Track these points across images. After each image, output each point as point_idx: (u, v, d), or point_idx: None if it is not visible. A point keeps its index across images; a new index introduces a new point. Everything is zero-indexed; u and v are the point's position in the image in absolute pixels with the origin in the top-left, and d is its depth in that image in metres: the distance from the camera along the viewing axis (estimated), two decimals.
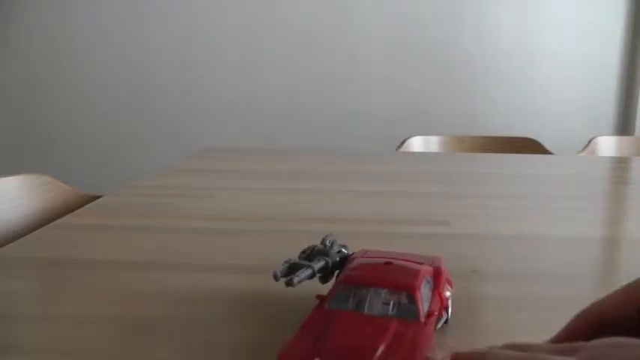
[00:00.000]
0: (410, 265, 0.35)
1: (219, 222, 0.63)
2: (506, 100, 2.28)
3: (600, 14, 2.19)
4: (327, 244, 0.39)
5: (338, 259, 0.38)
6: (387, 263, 0.35)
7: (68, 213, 0.67)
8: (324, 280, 0.39)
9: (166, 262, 0.49)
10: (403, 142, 1.53)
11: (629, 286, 0.27)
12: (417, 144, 1.55)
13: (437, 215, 0.68)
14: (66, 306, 0.39)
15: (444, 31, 2.23)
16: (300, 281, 0.34)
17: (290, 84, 2.30)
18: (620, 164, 1.15)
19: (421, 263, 0.35)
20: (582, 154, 1.54)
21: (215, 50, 2.29)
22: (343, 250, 0.39)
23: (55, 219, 0.65)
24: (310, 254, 0.38)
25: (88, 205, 0.71)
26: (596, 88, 2.26)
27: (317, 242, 0.40)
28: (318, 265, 0.36)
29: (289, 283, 0.34)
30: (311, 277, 0.36)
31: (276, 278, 0.35)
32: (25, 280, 0.44)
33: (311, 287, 0.40)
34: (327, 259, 0.37)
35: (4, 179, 0.80)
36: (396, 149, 1.51)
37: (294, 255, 0.40)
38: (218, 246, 0.54)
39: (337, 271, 0.38)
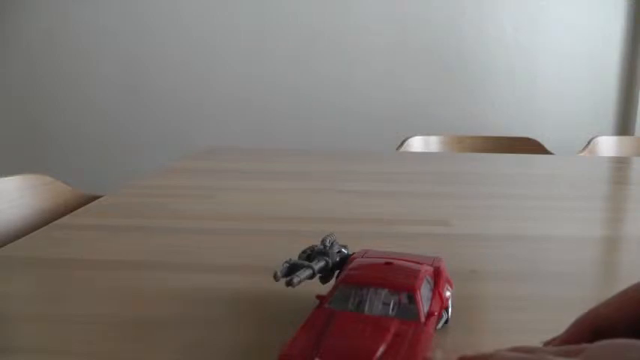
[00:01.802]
0: (410, 265, 0.35)
1: (219, 222, 0.63)
2: (506, 100, 2.28)
3: (600, 14, 2.19)
4: (327, 244, 0.39)
5: (338, 259, 0.38)
6: (387, 263, 0.35)
7: (68, 213, 0.67)
8: (325, 280, 0.39)
9: (166, 262, 0.49)
10: (403, 142, 1.53)
11: (624, 292, 0.27)
12: (417, 144, 1.55)
13: (437, 215, 0.68)
14: (66, 306, 0.39)
15: (444, 31, 2.23)
16: (300, 281, 0.34)
17: (290, 84, 2.30)
18: (620, 164, 1.15)
19: (421, 263, 0.35)
20: (582, 154, 1.54)
21: (215, 50, 2.29)
22: (343, 250, 0.39)
23: (55, 219, 0.65)
24: (310, 254, 0.38)
25: (88, 205, 0.71)
26: (597, 88, 2.26)
27: (317, 242, 0.40)
28: (319, 265, 0.36)
29: (289, 283, 0.34)
30: (311, 277, 0.36)
31: (276, 278, 0.35)
32: (25, 280, 0.44)
33: (311, 287, 0.40)
34: (327, 259, 0.37)
35: (4, 179, 0.80)
36: (396, 149, 1.51)
37: (294, 255, 0.40)
38: (218, 246, 0.54)
39: (337, 272, 0.38)
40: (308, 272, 0.35)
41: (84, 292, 0.42)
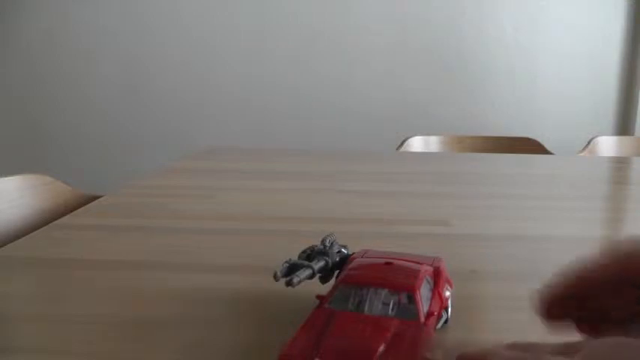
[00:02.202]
0: (410, 265, 0.35)
1: (219, 222, 0.63)
2: (507, 100, 2.28)
3: (600, 14, 2.19)
4: (327, 244, 0.39)
5: (338, 259, 0.38)
6: (387, 263, 0.35)
7: (68, 213, 0.67)
8: (324, 280, 0.39)
9: (166, 262, 0.49)
10: (403, 142, 1.53)
11: (609, 248, 0.25)
12: (417, 144, 1.55)
13: (437, 215, 0.68)
14: (66, 306, 0.39)
15: (444, 31, 2.23)
16: (300, 281, 0.34)
17: (290, 84, 2.31)
18: (620, 164, 1.15)
19: (421, 263, 0.35)
20: (582, 154, 1.54)
21: (215, 50, 2.29)
22: (343, 250, 0.39)
23: (55, 219, 0.65)
24: (310, 254, 0.38)
25: (88, 205, 0.71)
26: (597, 88, 2.26)
27: (317, 242, 0.40)
28: (318, 265, 0.36)
29: (289, 283, 0.34)
30: (311, 277, 0.36)
31: (276, 278, 0.35)
32: (25, 280, 0.44)
33: (311, 287, 0.40)
34: (327, 259, 0.37)
35: (4, 179, 0.80)
36: (396, 149, 1.51)
37: (294, 255, 0.40)
38: (218, 246, 0.54)
39: (337, 272, 0.38)
40: (308, 272, 0.35)
41: (84, 292, 0.42)
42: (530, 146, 1.54)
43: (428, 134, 1.64)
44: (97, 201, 0.74)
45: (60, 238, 0.56)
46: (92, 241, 0.55)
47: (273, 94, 2.32)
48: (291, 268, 0.36)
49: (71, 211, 0.68)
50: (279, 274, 0.36)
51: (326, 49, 2.27)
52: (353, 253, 0.39)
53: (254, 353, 0.33)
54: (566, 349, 0.23)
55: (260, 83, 2.31)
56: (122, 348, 0.33)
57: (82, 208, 0.70)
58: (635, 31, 2.20)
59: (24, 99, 2.37)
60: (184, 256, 0.50)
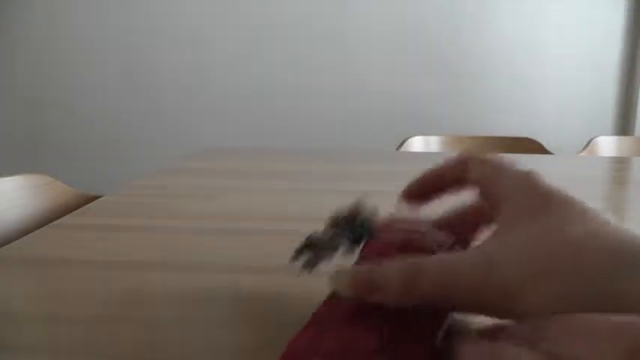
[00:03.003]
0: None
1: (219, 222, 0.63)
2: (506, 100, 2.28)
3: (600, 14, 2.19)
4: (354, 213, 0.37)
5: (361, 234, 0.37)
6: (401, 247, 0.34)
7: (68, 213, 0.67)
8: (351, 251, 0.37)
9: (166, 262, 0.49)
10: (403, 142, 1.53)
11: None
12: (417, 144, 1.55)
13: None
14: (66, 306, 0.39)
15: (444, 30, 2.23)
16: (316, 265, 0.35)
17: (290, 84, 2.31)
18: (620, 164, 1.15)
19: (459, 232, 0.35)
20: (582, 154, 1.54)
21: (216, 50, 2.29)
22: (368, 221, 0.38)
23: (55, 219, 0.65)
24: (337, 228, 0.37)
25: (88, 205, 0.71)
26: (596, 88, 2.26)
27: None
28: (338, 248, 0.36)
29: (307, 267, 0.34)
30: (328, 259, 0.35)
31: (296, 259, 0.35)
32: (25, 280, 0.44)
33: (311, 287, 0.40)
34: (348, 236, 0.36)
35: (4, 179, 0.80)
36: (396, 149, 1.51)
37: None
38: (218, 246, 0.54)
39: (362, 244, 0.37)
40: (326, 257, 0.35)
41: (84, 292, 0.42)
42: (530, 146, 1.54)
43: (428, 134, 1.64)
44: (96, 201, 0.74)
45: (60, 238, 0.56)
46: (92, 241, 0.55)
47: (273, 94, 2.32)
48: (312, 250, 0.36)
49: (71, 211, 0.68)
50: (299, 257, 0.35)
51: (326, 49, 2.27)
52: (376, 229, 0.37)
53: (254, 353, 0.33)
54: (531, 332, 0.21)
55: (260, 83, 2.31)
56: (122, 348, 0.33)
57: (82, 208, 0.70)
58: (635, 31, 2.20)
59: (24, 99, 2.37)
60: (184, 256, 0.50)
